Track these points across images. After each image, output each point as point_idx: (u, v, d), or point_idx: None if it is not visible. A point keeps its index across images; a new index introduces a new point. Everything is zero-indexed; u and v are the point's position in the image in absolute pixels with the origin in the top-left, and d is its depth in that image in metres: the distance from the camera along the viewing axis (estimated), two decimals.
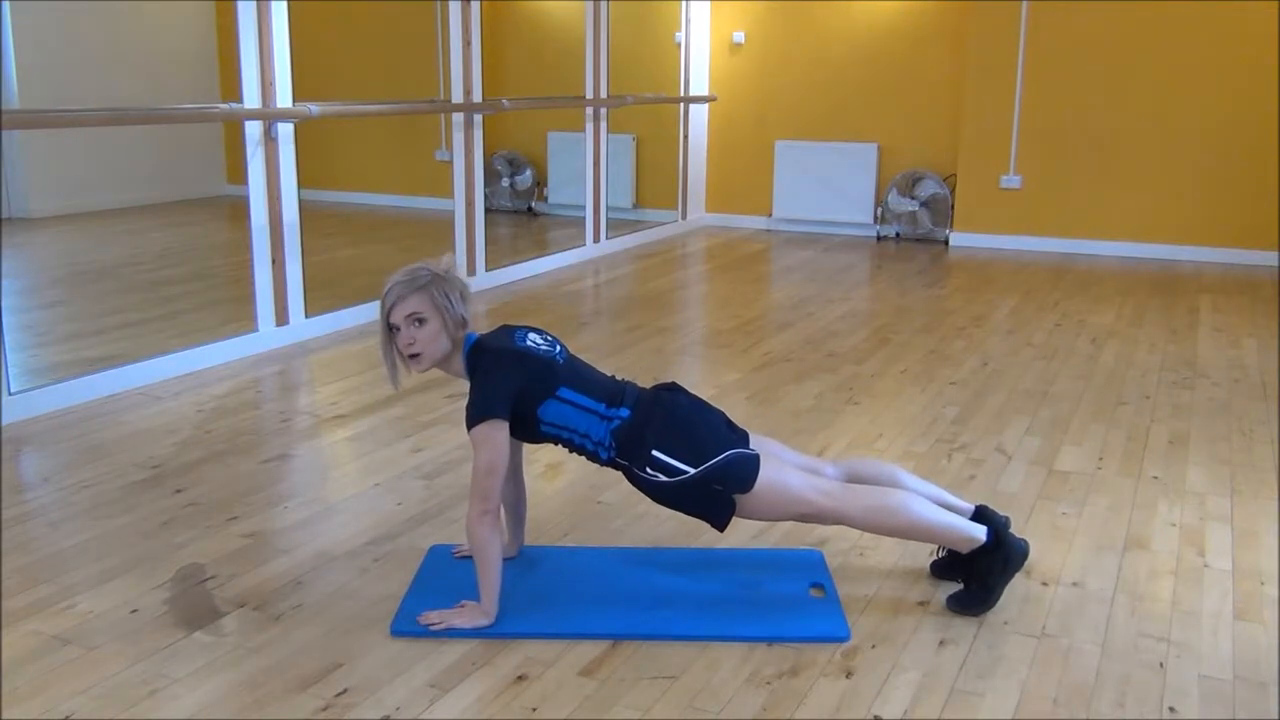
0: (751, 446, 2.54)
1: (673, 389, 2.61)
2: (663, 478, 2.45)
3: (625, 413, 2.48)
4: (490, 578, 2.39)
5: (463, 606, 2.42)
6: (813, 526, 2.91)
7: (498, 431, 2.39)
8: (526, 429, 2.50)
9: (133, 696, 2.14)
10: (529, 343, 2.51)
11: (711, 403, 2.64)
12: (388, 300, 2.44)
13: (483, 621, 2.39)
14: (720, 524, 2.50)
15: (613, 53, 7.16)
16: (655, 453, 2.44)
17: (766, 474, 2.45)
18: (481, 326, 4.70)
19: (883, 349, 4.85)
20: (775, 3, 8.21)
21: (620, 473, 2.54)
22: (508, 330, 2.57)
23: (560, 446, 2.54)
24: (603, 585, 2.60)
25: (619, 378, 2.63)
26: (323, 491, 3.21)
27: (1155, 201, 7.29)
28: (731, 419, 2.62)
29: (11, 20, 7.60)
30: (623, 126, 7.83)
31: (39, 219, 7.80)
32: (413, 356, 2.45)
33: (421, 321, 2.42)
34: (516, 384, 2.43)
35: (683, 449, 2.45)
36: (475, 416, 2.39)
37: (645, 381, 2.73)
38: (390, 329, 2.46)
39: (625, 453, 2.47)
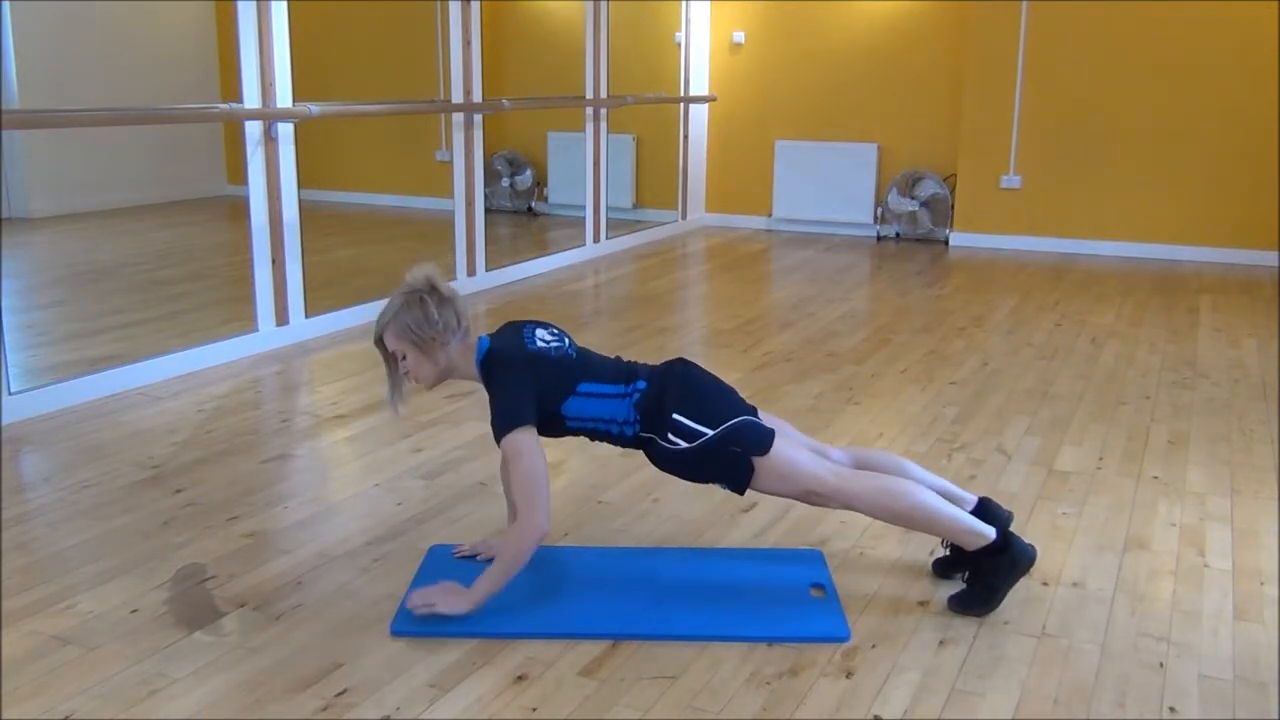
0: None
1: (683, 361, 2.65)
2: (683, 444, 2.47)
3: (642, 384, 2.52)
4: (501, 583, 2.38)
5: (449, 587, 2.42)
6: (813, 525, 2.92)
7: (529, 436, 2.40)
8: (553, 427, 2.54)
9: (133, 696, 2.14)
10: (539, 343, 2.52)
11: None
12: (374, 338, 2.54)
13: (461, 608, 2.37)
14: (740, 487, 2.51)
15: (613, 53, 7.15)
16: (675, 416, 2.47)
17: (780, 445, 2.48)
18: (482, 326, 4.67)
19: (883, 349, 4.85)
20: (775, 3, 8.21)
21: (642, 451, 2.56)
22: (515, 330, 2.58)
23: (584, 437, 2.57)
24: (603, 585, 2.60)
25: (625, 359, 2.67)
26: (323, 491, 3.21)
27: (1155, 201, 7.29)
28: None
29: (11, 20, 7.59)
30: (623, 126, 7.83)
31: (39, 219, 7.80)
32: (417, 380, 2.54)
33: (403, 356, 2.50)
34: (536, 389, 2.46)
35: (700, 411, 2.48)
36: (503, 426, 2.40)
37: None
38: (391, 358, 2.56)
39: (648, 423, 2.50)
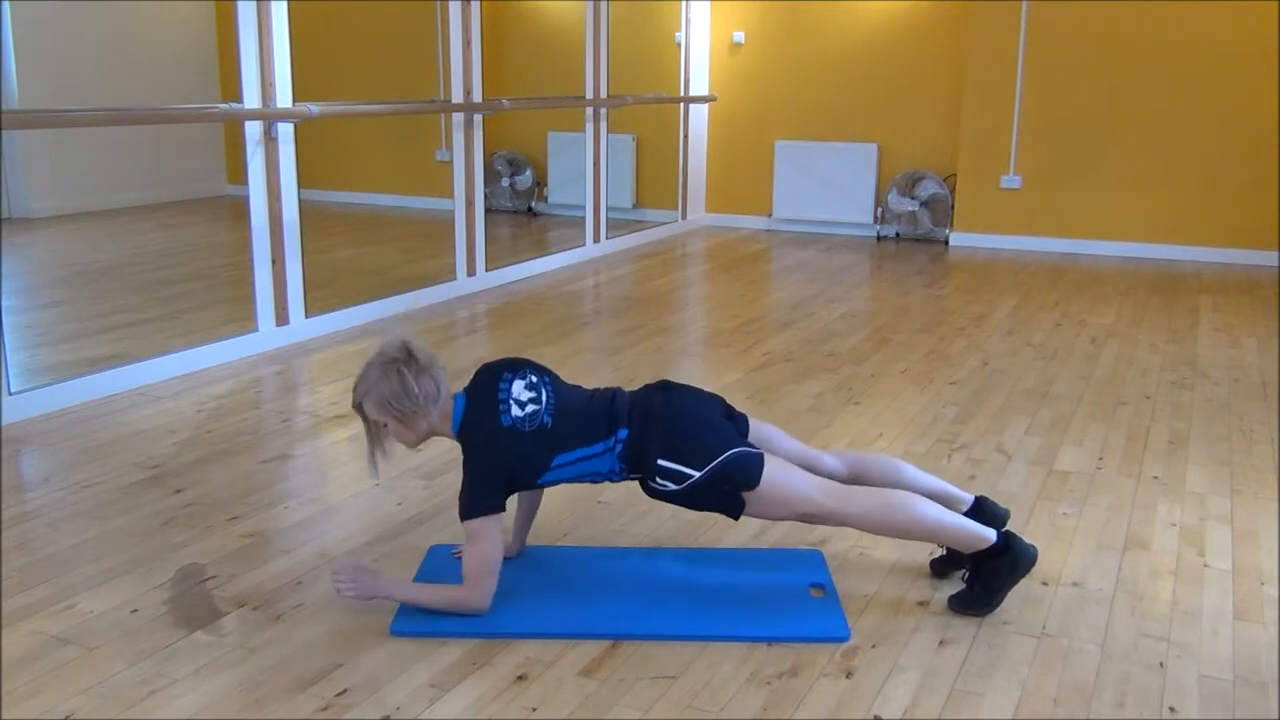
0: (751, 432, 2.56)
1: (664, 388, 2.59)
2: (671, 486, 2.45)
3: (624, 433, 2.47)
4: (416, 603, 2.42)
5: (371, 575, 2.43)
6: (813, 526, 2.92)
7: (492, 524, 2.39)
8: (532, 487, 2.55)
9: (133, 696, 2.14)
10: (514, 413, 2.42)
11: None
12: (353, 405, 2.50)
13: (376, 595, 2.40)
14: (733, 515, 2.52)
15: (613, 53, 7.15)
16: (661, 462, 2.44)
17: (771, 472, 2.45)
18: (482, 326, 4.67)
19: (883, 349, 4.85)
20: (775, 3, 8.21)
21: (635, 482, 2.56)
22: (491, 390, 2.46)
23: None
24: (603, 585, 2.60)
25: (605, 389, 2.59)
26: (323, 491, 3.21)
27: (1155, 201, 7.29)
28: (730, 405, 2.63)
29: (11, 20, 7.60)
30: (623, 126, 7.83)
31: (39, 219, 7.80)
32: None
33: (385, 425, 2.47)
34: (507, 471, 2.43)
35: (685, 452, 2.44)
36: (468, 512, 2.39)
37: (644, 384, 2.71)
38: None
39: (634, 469, 2.49)
